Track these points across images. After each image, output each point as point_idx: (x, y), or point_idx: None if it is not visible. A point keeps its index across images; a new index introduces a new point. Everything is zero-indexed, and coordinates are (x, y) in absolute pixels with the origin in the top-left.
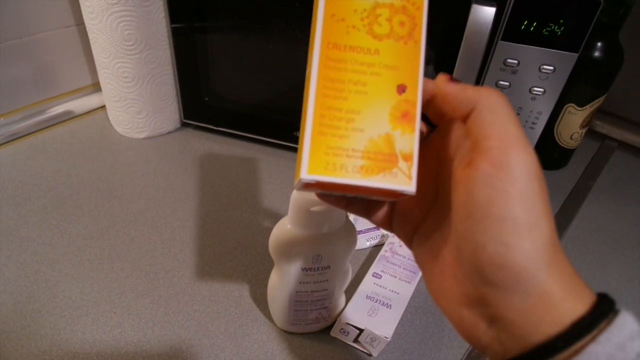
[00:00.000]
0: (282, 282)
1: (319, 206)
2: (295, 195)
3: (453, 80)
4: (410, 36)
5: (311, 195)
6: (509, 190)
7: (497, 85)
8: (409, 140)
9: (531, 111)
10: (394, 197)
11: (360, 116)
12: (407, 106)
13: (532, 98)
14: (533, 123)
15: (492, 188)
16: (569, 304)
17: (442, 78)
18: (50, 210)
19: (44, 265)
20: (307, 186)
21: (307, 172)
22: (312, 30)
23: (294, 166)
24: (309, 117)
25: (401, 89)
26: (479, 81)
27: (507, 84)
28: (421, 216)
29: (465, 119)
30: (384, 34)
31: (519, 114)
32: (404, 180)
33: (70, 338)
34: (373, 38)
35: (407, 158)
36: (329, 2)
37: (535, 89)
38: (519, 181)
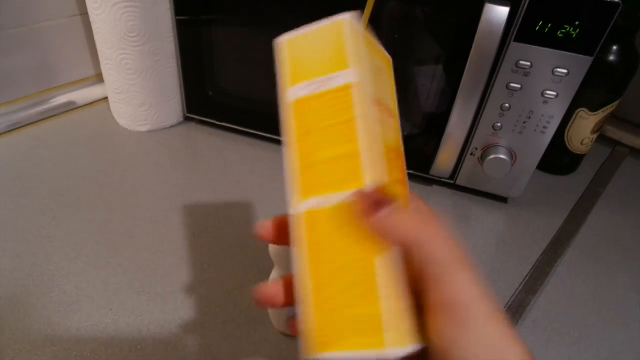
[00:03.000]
0: None
1: None
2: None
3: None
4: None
5: None
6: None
7: (507, 88)
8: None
9: (542, 115)
10: None
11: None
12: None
13: (544, 102)
14: (544, 127)
15: (457, 347)
16: None
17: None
18: (49, 202)
19: (40, 259)
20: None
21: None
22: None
23: None
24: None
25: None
26: (489, 83)
27: (519, 86)
28: None
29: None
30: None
31: (530, 117)
32: (406, 339)
33: (64, 334)
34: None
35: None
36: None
37: (548, 92)
38: (474, 327)
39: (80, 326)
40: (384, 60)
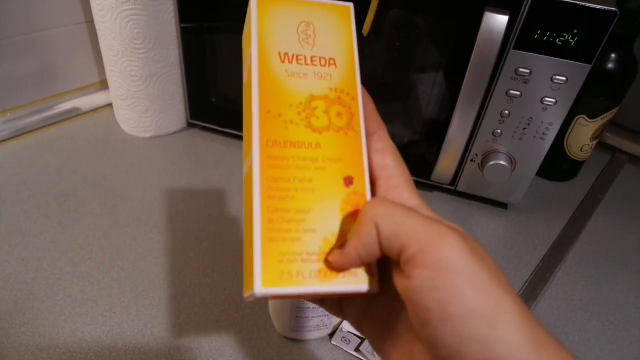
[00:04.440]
0: None
1: None
2: None
3: (341, 247)
4: (349, 126)
5: None
6: (456, 285)
7: (507, 95)
8: None
9: (542, 122)
10: (356, 295)
11: (310, 215)
12: (357, 198)
13: (543, 109)
14: (543, 134)
15: (437, 290)
16: None
17: (334, 258)
18: (54, 207)
19: (45, 263)
20: (262, 298)
21: (261, 285)
22: (246, 128)
23: None
24: (257, 223)
25: (348, 181)
26: (489, 90)
27: (519, 93)
28: (366, 298)
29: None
30: (323, 127)
31: (529, 124)
32: (365, 278)
33: (69, 337)
34: (313, 132)
35: None
36: (263, 98)
37: (547, 99)
38: (460, 271)
39: (85, 329)
40: (326, 11)
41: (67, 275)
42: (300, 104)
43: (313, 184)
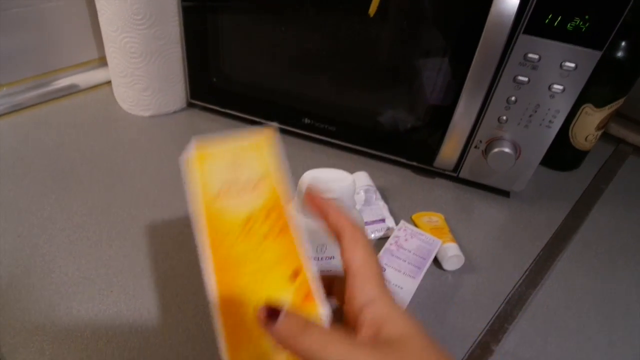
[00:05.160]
0: None
1: (327, 194)
2: (303, 181)
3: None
4: (285, 230)
5: (319, 183)
6: None
7: (514, 81)
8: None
9: (549, 109)
10: None
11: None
12: (304, 287)
13: (550, 95)
14: (550, 122)
15: None
16: None
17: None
18: (50, 184)
19: (42, 240)
20: None
21: None
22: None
23: (302, 153)
24: (221, 336)
25: (294, 275)
26: (496, 76)
27: (526, 79)
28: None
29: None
30: (262, 238)
31: (535, 111)
32: None
33: (64, 315)
34: (257, 245)
35: None
36: (212, 238)
37: (555, 86)
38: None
39: (81, 307)
40: (252, 144)
41: (64, 253)
42: (240, 225)
43: (265, 293)
